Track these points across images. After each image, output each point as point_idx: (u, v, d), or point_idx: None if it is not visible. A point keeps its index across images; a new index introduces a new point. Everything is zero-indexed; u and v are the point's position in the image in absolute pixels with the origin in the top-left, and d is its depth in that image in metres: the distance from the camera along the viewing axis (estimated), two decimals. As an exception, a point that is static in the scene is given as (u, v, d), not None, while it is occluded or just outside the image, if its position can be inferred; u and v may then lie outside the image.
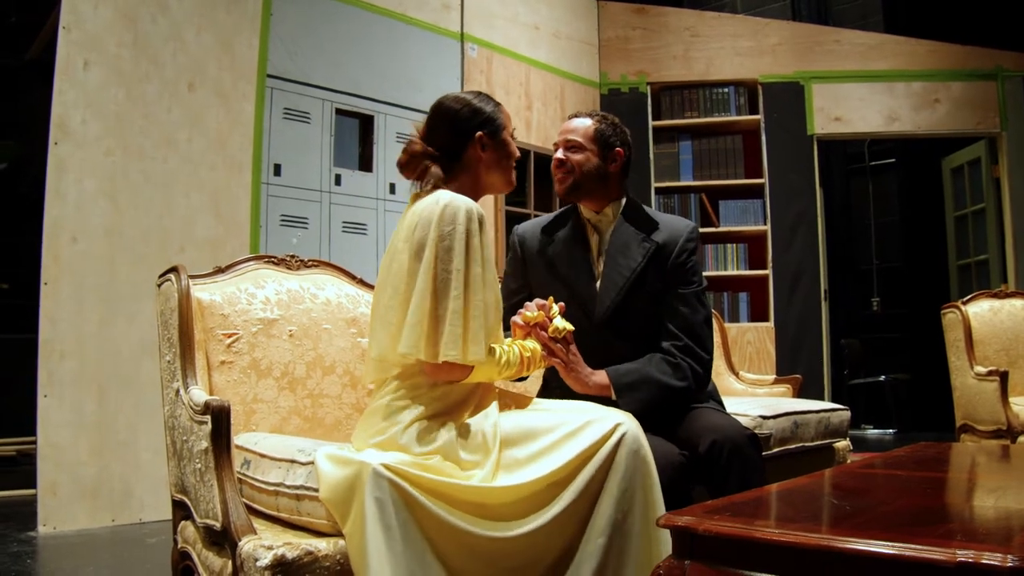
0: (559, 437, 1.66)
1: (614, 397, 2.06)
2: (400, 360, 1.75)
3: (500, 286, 1.97)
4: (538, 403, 1.91)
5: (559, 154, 2.25)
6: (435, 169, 1.87)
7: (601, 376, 2.09)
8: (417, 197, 1.85)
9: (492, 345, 1.78)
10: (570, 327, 1.99)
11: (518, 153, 1.98)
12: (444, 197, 1.75)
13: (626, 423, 1.69)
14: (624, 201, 2.29)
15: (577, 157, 2.23)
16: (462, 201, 1.75)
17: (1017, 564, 0.96)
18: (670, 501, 1.70)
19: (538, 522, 1.60)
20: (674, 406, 2.14)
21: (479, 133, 1.91)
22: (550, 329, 1.97)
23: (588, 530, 1.63)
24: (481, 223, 1.75)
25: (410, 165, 1.90)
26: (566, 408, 1.81)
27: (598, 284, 2.21)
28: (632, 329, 2.18)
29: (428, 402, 1.73)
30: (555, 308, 1.99)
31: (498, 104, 1.98)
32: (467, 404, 1.79)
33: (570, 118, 2.32)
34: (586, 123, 2.27)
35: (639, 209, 2.29)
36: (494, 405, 1.79)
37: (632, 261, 2.19)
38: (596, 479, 1.64)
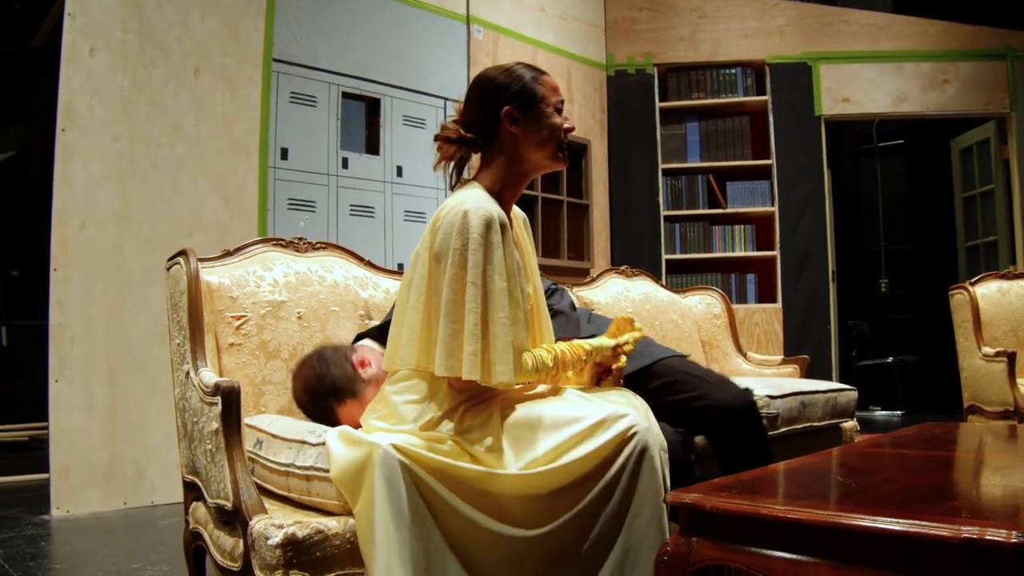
0: (574, 433, 1.61)
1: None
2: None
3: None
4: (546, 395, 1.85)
5: None
6: (465, 154, 1.77)
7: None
8: (460, 186, 1.78)
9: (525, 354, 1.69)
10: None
11: (562, 125, 1.78)
12: (467, 203, 1.65)
13: (639, 422, 1.64)
14: None
15: None
16: (483, 210, 1.64)
17: (1021, 540, 0.97)
18: (674, 481, 1.69)
19: (548, 527, 1.58)
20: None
21: (506, 108, 1.75)
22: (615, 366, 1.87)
23: (597, 533, 1.61)
24: (504, 230, 1.65)
25: (441, 152, 1.79)
26: (577, 401, 1.74)
27: None
28: None
29: (440, 400, 1.68)
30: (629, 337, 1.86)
31: (541, 73, 1.80)
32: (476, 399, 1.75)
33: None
34: None
35: None
36: (497, 399, 1.74)
37: None
38: (609, 483, 1.61)
